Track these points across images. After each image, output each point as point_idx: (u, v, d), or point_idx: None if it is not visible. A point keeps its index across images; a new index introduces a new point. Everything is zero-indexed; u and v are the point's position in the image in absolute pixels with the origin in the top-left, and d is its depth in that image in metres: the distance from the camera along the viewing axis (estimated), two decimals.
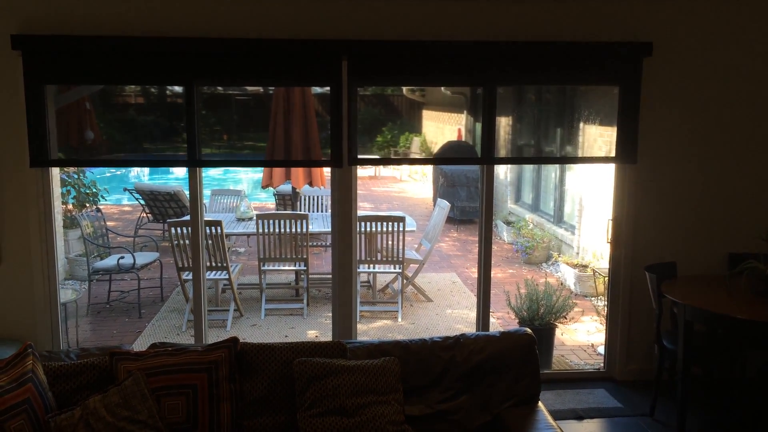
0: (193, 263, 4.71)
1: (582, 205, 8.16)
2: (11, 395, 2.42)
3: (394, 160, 6.07)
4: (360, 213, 4.87)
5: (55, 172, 4.36)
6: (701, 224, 4.77)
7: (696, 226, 4.77)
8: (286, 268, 6.81)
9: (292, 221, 6.44)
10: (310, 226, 6.55)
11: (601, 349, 5.30)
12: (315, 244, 8.16)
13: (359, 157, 4.51)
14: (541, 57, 4.45)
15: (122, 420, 2.50)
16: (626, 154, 4.63)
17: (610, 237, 4.85)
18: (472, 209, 10.41)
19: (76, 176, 7.91)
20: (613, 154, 4.66)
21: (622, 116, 4.60)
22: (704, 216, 4.76)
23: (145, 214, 9.25)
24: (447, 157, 4.74)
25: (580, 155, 4.91)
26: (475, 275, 5.10)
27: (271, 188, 7.68)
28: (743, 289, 4.08)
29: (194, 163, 4.42)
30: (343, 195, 4.55)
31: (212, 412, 2.72)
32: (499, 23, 4.40)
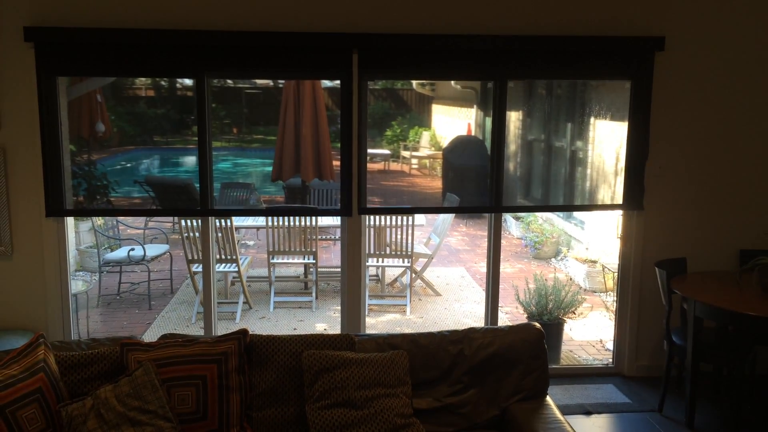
0: (203, 256, 4.73)
1: (592, 200, 8.12)
2: (23, 384, 2.45)
3: (404, 210, 6.13)
4: (369, 207, 4.88)
5: (67, 164, 4.39)
6: (712, 220, 4.74)
7: (707, 222, 4.74)
8: (295, 261, 6.83)
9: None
10: (319, 220, 6.56)
11: (610, 345, 5.29)
12: (324, 237, 8.18)
13: (368, 207, 4.59)
14: (553, 51, 4.43)
15: (133, 410, 2.52)
16: (633, 200, 4.67)
17: (620, 232, 4.83)
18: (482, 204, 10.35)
19: (87, 168, 7.95)
20: (623, 151, 4.65)
21: (634, 112, 4.58)
22: (715, 212, 4.74)
23: (155, 207, 9.28)
24: (457, 206, 4.97)
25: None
26: (484, 270, 5.10)
27: (280, 181, 7.71)
28: (754, 286, 4.06)
29: (207, 213, 4.50)
30: (353, 244, 4.60)
31: (222, 403, 2.73)
32: (510, 17, 4.39)
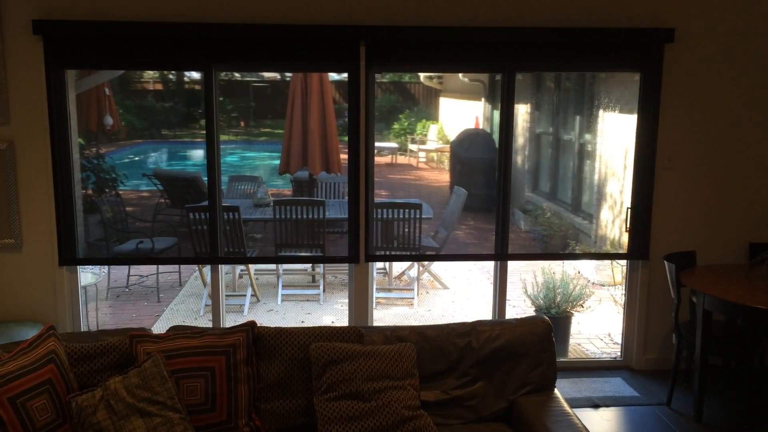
0: (211, 249, 4.74)
1: (600, 193, 8.09)
2: (34, 375, 2.47)
3: (411, 257, 6.16)
4: (377, 200, 4.89)
5: (75, 157, 4.40)
6: (721, 213, 4.72)
7: (716, 215, 4.72)
8: (303, 254, 6.83)
9: (309, 207, 6.46)
10: (326, 213, 6.57)
11: (618, 338, 5.28)
12: (332, 230, 8.18)
13: (376, 254, 4.68)
14: (562, 43, 4.40)
15: (142, 401, 2.53)
16: (638, 249, 4.69)
17: (628, 226, 4.81)
18: (490, 197, 10.35)
19: (96, 161, 7.99)
20: (632, 144, 4.62)
21: (643, 104, 4.55)
22: (724, 205, 4.71)
23: (163, 200, 9.31)
24: (461, 253, 5.06)
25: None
26: (492, 263, 5.09)
27: (288, 174, 7.72)
28: (763, 279, 4.04)
29: (216, 260, 4.62)
30: (360, 293, 4.69)
31: (230, 394, 2.75)
32: (518, 8, 4.36)
